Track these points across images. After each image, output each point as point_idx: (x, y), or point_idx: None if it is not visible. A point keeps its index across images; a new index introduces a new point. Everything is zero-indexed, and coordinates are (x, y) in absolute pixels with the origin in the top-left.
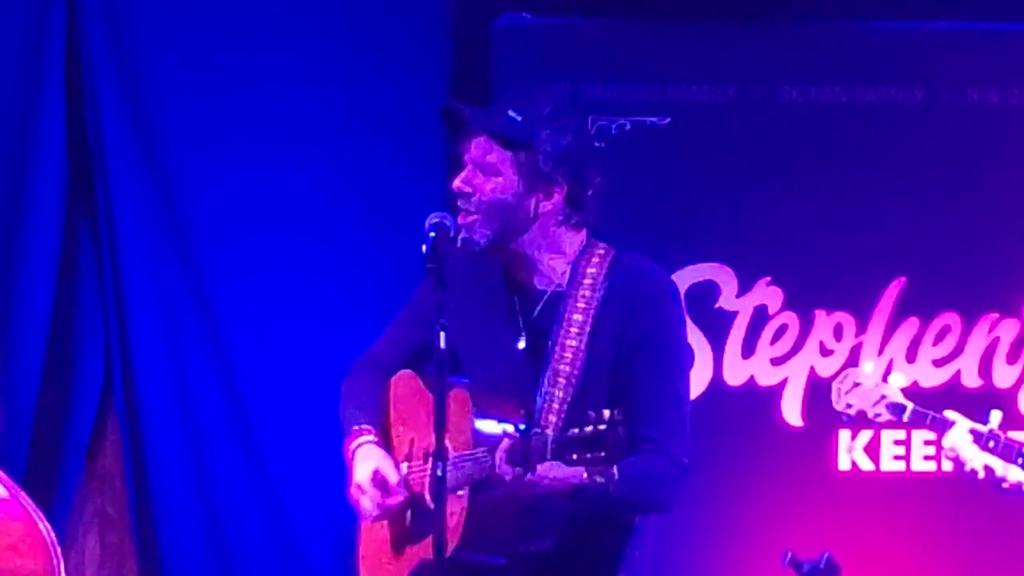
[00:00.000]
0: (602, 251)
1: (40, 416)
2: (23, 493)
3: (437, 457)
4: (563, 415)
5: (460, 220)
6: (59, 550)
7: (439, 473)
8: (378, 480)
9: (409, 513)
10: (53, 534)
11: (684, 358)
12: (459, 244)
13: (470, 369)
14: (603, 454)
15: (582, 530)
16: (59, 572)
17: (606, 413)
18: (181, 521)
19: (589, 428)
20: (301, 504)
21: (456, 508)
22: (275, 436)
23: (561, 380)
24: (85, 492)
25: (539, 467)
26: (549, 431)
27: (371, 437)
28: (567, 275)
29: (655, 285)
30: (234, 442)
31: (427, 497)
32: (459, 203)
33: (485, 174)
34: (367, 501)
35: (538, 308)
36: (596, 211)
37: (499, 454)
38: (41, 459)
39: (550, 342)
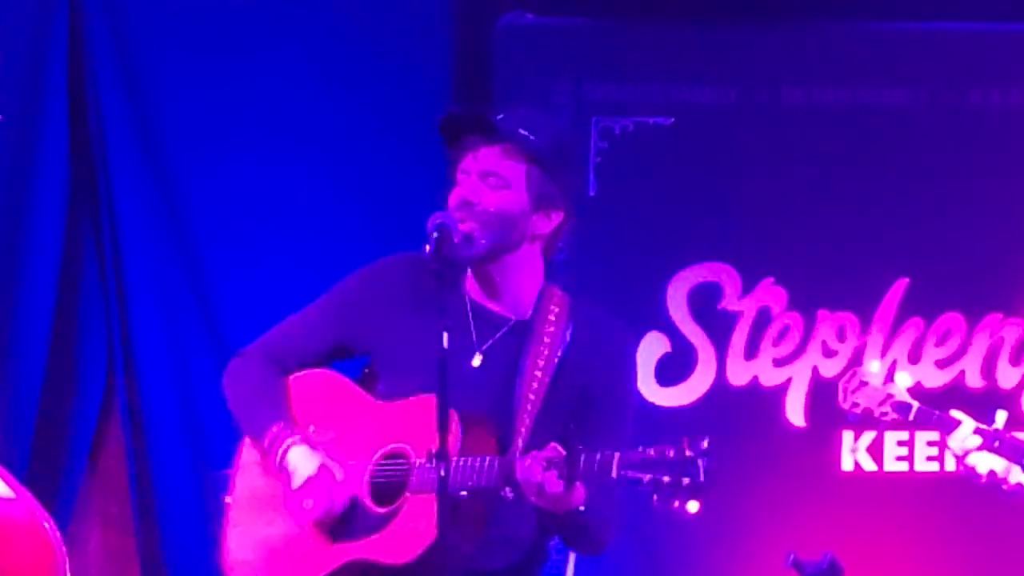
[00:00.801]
0: (559, 292)
1: (43, 415)
2: (28, 493)
3: (440, 458)
4: (526, 439)
5: (463, 226)
6: (64, 550)
7: (441, 474)
8: (325, 479)
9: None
10: (58, 534)
11: (634, 408)
12: (456, 240)
13: (412, 376)
14: (688, 482)
15: (530, 549)
16: (65, 572)
17: (686, 440)
18: (184, 519)
19: (671, 452)
20: None
21: (425, 515)
22: None
23: (528, 407)
24: (88, 491)
25: (576, 484)
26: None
27: (299, 438)
28: (531, 308)
29: (618, 336)
30: (236, 441)
31: (366, 501)
32: (458, 213)
33: (492, 186)
34: (310, 502)
35: (500, 333)
36: (560, 252)
37: (538, 469)
38: (44, 458)
39: (520, 366)
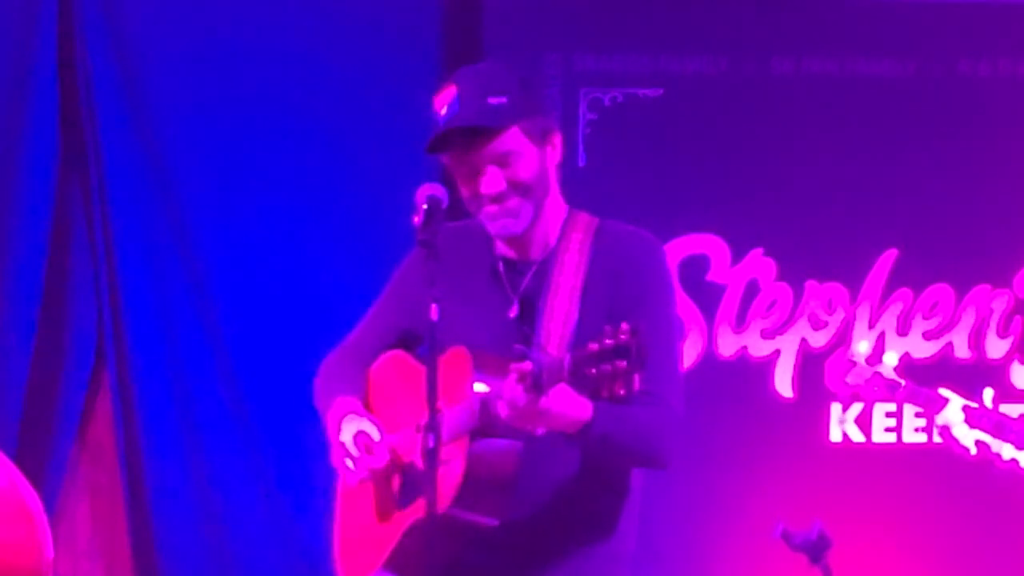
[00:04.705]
0: (587, 218)
1: (32, 386)
2: (8, 460)
3: (429, 428)
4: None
5: (492, 211)
6: (44, 518)
7: (431, 445)
8: (361, 441)
9: (398, 480)
10: (38, 501)
11: (675, 313)
12: (494, 232)
13: (459, 340)
14: (624, 364)
15: (581, 491)
16: (46, 540)
17: (623, 325)
18: (172, 490)
19: (609, 341)
20: (291, 471)
21: (454, 465)
22: (266, 406)
23: (554, 339)
24: (76, 462)
25: (552, 393)
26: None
27: (352, 409)
28: (555, 243)
29: (644, 246)
30: (225, 411)
31: (418, 464)
32: (495, 201)
33: (508, 163)
34: (350, 462)
35: (528, 276)
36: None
37: (509, 383)
38: (33, 429)
39: (540, 303)
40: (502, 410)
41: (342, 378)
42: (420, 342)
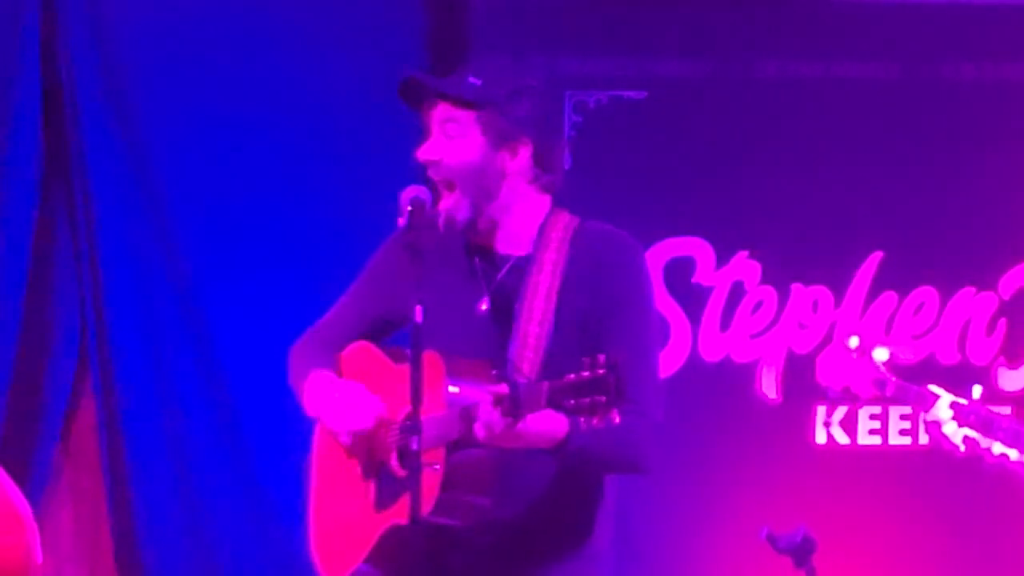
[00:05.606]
0: (567, 218)
1: (16, 389)
2: None
3: (412, 430)
4: (534, 377)
5: (443, 203)
6: (34, 522)
7: (414, 447)
8: (349, 400)
9: (373, 483)
10: (28, 507)
11: (653, 318)
12: (442, 226)
13: (431, 330)
14: (604, 399)
15: (557, 494)
16: (34, 546)
17: (601, 358)
18: (155, 494)
19: (587, 373)
20: (276, 476)
21: (432, 472)
22: (251, 409)
23: (531, 341)
24: (60, 465)
25: (529, 417)
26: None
27: (333, 377)
28: (533, 241)
29: (622, 248)
30: (209, 415)
31: (393, 464)
32: (429, 173)
33: (450, 134)
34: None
35: (503, 272)
36: (561, 178)
37: (485, 406)
38: (16, 432)
39: (517, 305)
40: (479, 431)
41: (315, 360)
42: (392, 329)
